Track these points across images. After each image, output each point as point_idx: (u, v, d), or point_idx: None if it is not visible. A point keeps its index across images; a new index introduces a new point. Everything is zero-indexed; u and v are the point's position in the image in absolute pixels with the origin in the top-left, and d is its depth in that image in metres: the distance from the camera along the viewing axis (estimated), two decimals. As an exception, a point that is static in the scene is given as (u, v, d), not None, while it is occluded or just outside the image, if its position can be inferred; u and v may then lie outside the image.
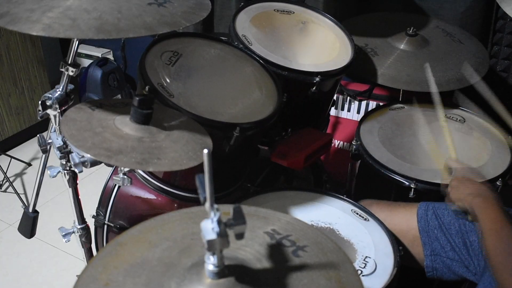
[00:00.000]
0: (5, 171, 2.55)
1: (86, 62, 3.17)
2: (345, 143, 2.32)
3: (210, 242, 0.65)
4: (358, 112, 2.28)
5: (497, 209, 1.15)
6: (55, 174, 1.27)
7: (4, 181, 2.56)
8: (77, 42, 1.23)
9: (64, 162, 1.25)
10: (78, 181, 1.34)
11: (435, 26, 2.01)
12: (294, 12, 1.77)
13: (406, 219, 1.36)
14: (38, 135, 1.30)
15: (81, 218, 1.39)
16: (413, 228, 1.33)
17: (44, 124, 2.33)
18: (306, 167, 1.69)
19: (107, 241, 1.59)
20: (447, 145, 1.46)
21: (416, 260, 1.35)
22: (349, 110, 2.30)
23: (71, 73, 1.24)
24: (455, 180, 1.28)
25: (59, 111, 1.25)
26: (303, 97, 1.59)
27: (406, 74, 1.77)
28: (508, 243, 1.07)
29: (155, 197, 1.51)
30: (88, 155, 1.01)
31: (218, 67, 1.48)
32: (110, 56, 3.24)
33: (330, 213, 1.37)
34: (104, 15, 1.00)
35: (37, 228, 1.72)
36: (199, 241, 0.68)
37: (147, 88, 1.27)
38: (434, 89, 1.53)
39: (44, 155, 1.47)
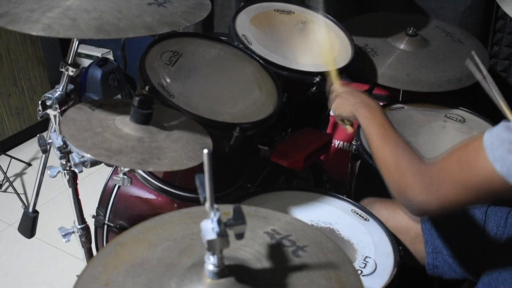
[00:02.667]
0: (5, 171, 2.55)
1: (86, 62, 3.17)
2: (345, 143, 2.32)
3: (210, 242, 0.65)
4: (358, 112, 2.28)
5: (382, 116, 1.23)
6: (55, 174, 1.27)
7: (4, 181, 2.56)
8: (77, 42, 1.23)
9: (64, 162, 1.25)
10: (78, 181, 1.34)
11: (435, 26, 2.01)
12: (294, 12, 1.77)
13: (409, 216, 1.36)
14: (38, 135, 1.30)
15: (81, 218, 1.38)
16: (415, 226, 1.33)
17: (44, 124, 2.33)
18: (306, 167, 1.69)
19: (107, 241, 1.59)
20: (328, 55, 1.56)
21: (417, 258, 1.35)
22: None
23: (71, 73, 1.24)
24: (339, 97, 1.38)
25: (59, 111, 1.25)
26: (303, 97, 1.59)
27: (406, 74, 1.77)
28: (393, 144, 1.13)
29: (155, 197, 1.51)
30: (88, 155, 1.01)
31: (218, 67, 1.48)
32: (110, 56, 3.24)
33: (330, 213, 1.37)
34: (104, 15, 1.00)
35: (37, 228, 1.72)
36: (199, 241, 0.68)
37: (147, 88, 1.27)
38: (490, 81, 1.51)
39: (44, 155, 1.47)
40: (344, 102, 1.34)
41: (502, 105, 1.43)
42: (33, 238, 1.76)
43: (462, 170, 0.92)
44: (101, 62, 3.06)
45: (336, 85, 1.45)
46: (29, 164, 2.75)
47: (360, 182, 1.76)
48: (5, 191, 2.56)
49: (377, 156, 1.16)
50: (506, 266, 1.17)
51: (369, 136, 1.21)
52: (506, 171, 0.85)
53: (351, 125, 1.44)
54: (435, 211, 1.03)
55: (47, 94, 1.25)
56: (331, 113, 1.40)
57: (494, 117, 1.78)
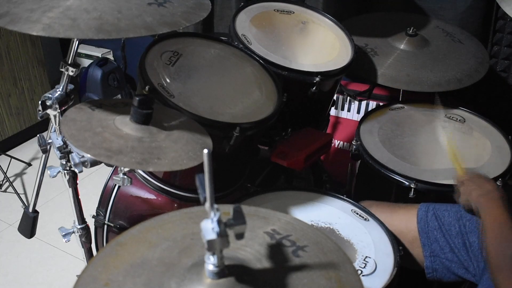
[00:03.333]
0: (5, 171, 2.55)
1: (86, 62, 3.17)
2: (345, 143, 2.32)
3: (210, 242, 0.65)
4: (358, 112, 2.28)
5: (500, 209, 1.16)
6: (55, 174, 1.27)
7: (4, 181, 2.56)
8: (77, 42, 1.23)
9: (64, 162, 1.25)
10: (78, 181, 1.34)
11: (435, 26, 2.01)
12: (294, 12, 1.77)
13: (406, 220, 1.36)
14: (38, 135, 1.30)
15: (81, 218, 1.38)
16: (412, 230, 1.33)
17: (44, 124, 2.33)
18: (306, 167, 1.69)
19: (107, 241, 1.59)
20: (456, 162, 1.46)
21: (416, 261, 1.35)
22: (349, 110, 2.30)
23: (71, 73, 1.24)
24: (466, 179, 1.30)
25: (59, 111, 1.25)
26: (303, 97, 1.59)
27: (406, 74, 1.77)
28: (506, 244, 1.07)
29: (155, 197, 1.51)
30: (88, 155, 1.01)
31: (218, 67, 1.48)
32: (110, 56, 3.24)
33: (330, 213, 1.37)
34: (104, 15, 1.00)
35: (37, 228, 1.72)
36: (199, 241, 0.68)
37: (147, 88, 1.27)
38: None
39: (44, 155, 1.47)
40: (469, 186, 1.28)
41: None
42: (33, 238, 1.76)
43: None
44: (101, 62, 3.06)
45: (460, 173, 1.38)
46: (29, 164, 2.75)
47: (360, 182, 1.76)
48: (5, 191, 2.56)
49: (487, 249, 1.11)
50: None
51: (484, 228, 1.16)
52: None
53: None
54: None
55: (47, 94, 1.24)
56: (455, 197, 1.32)
57: (494, 117, 1.78)
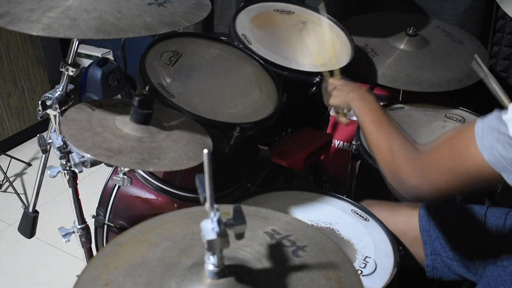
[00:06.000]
0: (5, 171, 2.55)
1: (86, 62, 3.17)
2: (345, 143, 2.32)
3: (210, 242, 0.65)
4: (358, 112, 2.28)
5: (376, 104, 1.26)
6: (55, 174, 1.27)
7: (4, 181, 2.56)
8: (77, 42, 1.23)
9: (64, 162, 1.25)
10: (78, 181, 1.34)
11: (435, 26, 2.01)
12: (294, 12, 1.77)
13: (407, 219, 1.36)
14: (38, 135, 1.30)
15: (81, 218, 1.38)
16: (414, 228, 1.33)
17: (44, 124, 2.33)
18: (306, 167, 1.69)
19: (107, 241, 1.59)
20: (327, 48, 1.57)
21: (416, 260, 1.35)
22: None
23: (71, 73, 1.24)
24: (335, 89, 1.41)
25: (59, 111, 1.25)
26: (303, 97, 1.59)
27: (406, 74, 1.77)
28: (387, 129, 1.15)
29: (155, 197, 1.51)
30: (88, 155, 1.01)
31: (218, 67, 1.48)
32: (110, 56, 3.24)
33: (330, 213, 1.37)
34: (104, 15, 1.00)
35: (37, 228, 1.72)
36: (199, 241, 0.68)
37: (147, 88, 1.27)
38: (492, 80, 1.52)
39: (44, 155, 1.47)
40: (340, 93, 1.38)
41: (503, 97, 1.45)
42: (33, 238, 1.76)
43: (453, 157, 0.93)
44: (101, 62, 3.06)
45: (334, 79, 1.49)
46: (29, 164, 2.75)
47: (360, 182, 1.76)
48: (5, 191, 2.56)
49: (371, 142, 1.19)
50: (506, 267, 1.17)
51: (363, 123, 1.23)
52: (493, 159, 0.85)
53: (345, 116, 1.48)
54: (428, 195, 1.03)
55: (47, 94, 1.24)
56: (327, 104, 1.44)
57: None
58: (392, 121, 1.19)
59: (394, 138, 1.12)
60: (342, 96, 1.37)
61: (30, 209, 1.66)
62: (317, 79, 1.54)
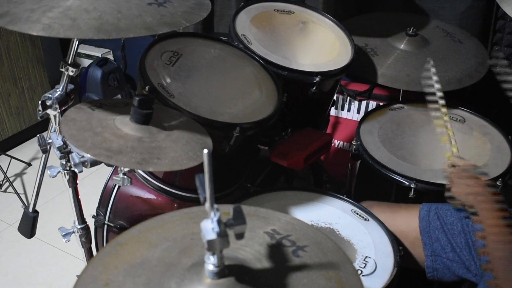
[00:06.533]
0: (5, 171, 2.55)
1: (86, 62, 3.17)
2: (345, 143, 2.32)
3: (210, 242, 0.65)
4: (358, 112, 2.28)
5: (497, 211, 1.13)
6: (55, 174, 1.27)
7: (4, 181, 2.56)
8: (77, 42, 1.23)
9: (64, 162, 1.25)
10: (78, 181, 1.34)
11: (435, 26, 2.01)
12: (294, 12, 1.77)
13: (407, 220, 1.36)
14: (38, 135, 1.30)
15: (81, 218, 1.38)
16: (414, 230, 1.33)
17: (44, 124, 2.33)
18: (306, 167, 1.69)
19: (107, 241, 1.59)
20: (451, 142, 1.44)
21: (416, 261, 1.35)
22: (349, 110, 2.30)
23: (71, 73, 1.24)
24: (457, 176, 1.27)
25: (59, 111, 1.25)
26: (303, 97, 1.59)
27: (406, 74, 1.77)
28: (505, 248, 1.06)
29: (155, 197, 1.51)
30: (88, 155, 1.01)
31: (218, 67, 1.48)
32: (110, 56, 3.24)
33: (330, 213, 1.37)
34: (104, 15, 1.00)
35: (37, 228, 1.72)
36: (199, 241, 0.68)
37: (147, 88, 1.27)
38: (437, 88, 1.51)
39: (44, 155, 1.47)
40: (462, 184, 1.25)
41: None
42: (33, 238, 1.76)
43: None
44: (101, 62, 3.06)
45: (456, 164, 1.37)
46: (29, 164, 2.75)
47: (360, 182, 1.76)
48: (5, 191, 2.56)
49: (487, 253, 1.08)
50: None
51: (486, 235, 1.12)
52: None
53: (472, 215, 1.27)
54: None
55: (47, 94, 1.25)
56: (445, 195, 1.29)
57: (494, 117, 1.78)
58: None
59: None
60: (466, 195, 1.22)
61: (30, 209, 1.66)
62: (317, 79, 1.54)
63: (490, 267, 1.06)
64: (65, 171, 1.27)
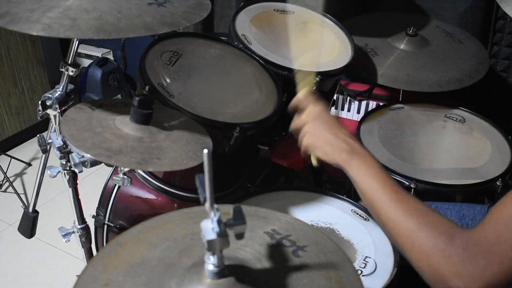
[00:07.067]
0: (5, 171, 2.55)
1: (86, 62, 3.17)
2: (345, 143, 2.31)
3: (210, 242, 0.65)
4: (358, 112, 2.28)
5: (380, 169, 0.98)
6: (55, 174, 1.27)
7: (4, 181, 2.56)
8: (77, 42, 1.23)
9: (64, 162, 1.25)
10: (78, 181, 1.34)
11: (435, 26, 2.01)
12: (294, 12, 1.77)
13: None
14: (38, 135, 1.30)
15: (81, 218, 1.39)
16: None
17: (44, 124, 2.33)
18: (306, 167, 1.69)
19: (107, 241, 1.59)
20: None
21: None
22: (349, 110, 2.30)
23: (71, 73, 1.24)
24: (311, 128, 1.08)
25: (59, 111, 1.25)
26: (303, 97, 1.59)
27: (406, 74, 1.77)
28: (410, 209, 0.91)
29: (155, 197, 1.51)
30: (88, 155, 1.01)
31: (218, 67, 1.48)
32: (110, 56, 3.24)
33: (330, 213, 1.37)
34: (104, 15, 1.00)
35: (37, 228, 1.72)
36: (199, 241, 0.68)
37: (147, 88, 1.27)
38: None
39: (44, 155, 1.47)
40: (322, 143, 1.06)
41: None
42: (33, 238, 1.76)
43: None
44: (101, 62, 3.06)
45: (307, 101, 1.14)
46: (29, 164, 2.75)
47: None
48: (5, 191, 2.56)
49: (391, 228, 0.91)
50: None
51: (374, 197, 0.95)
52: None
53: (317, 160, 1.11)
54: None
55: (47, 94, 1.25)
56: (291, 130, 1.13)
57: (494, 117, 1.78)
58: (409, 194, 0.93)
59: (424, 217, 0.86)
60: (326, 149, 1.04)
61: (30, 209, 1.66)
62: (317, 79, 1.54)
63: (393, 237, 0.91)
64: (65, 171, 1.28)
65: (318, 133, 1.07)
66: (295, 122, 1.13)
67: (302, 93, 1.17)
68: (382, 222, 0.93)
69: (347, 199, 1.42)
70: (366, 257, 1.23)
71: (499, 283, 0.76)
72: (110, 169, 1.57)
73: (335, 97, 2.09)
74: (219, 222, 0.65)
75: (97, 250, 1.60)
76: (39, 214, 1.70)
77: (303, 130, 1.10)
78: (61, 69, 1.24)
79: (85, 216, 1.40)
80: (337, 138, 1.05)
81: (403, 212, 0.89)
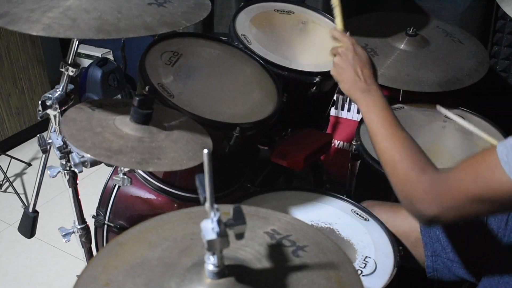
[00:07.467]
0: (5, 171, 2.55)
1: (86, 62, 3.17)
2: (345, 143, 2.32)
3: (210, 242, 0.65)
4: (358, 112, 2.28)
5: (387, 109, 1.13)
6: (55, 174, 1.27)
7: (4, 181, 2.56)
8: (77, 42, 1.23)
9: (64, 162, 1.25)
10: (78, 181, 1.34)
11: (435, 26, 2.01)
12: (294, 12, 1.77)
13: (408, 220, 1.36)
14: (38, 135, 1.30)
15: (81, 218, 1.39)
16: (415, 230, 1.33)
17: (44, 124, 2.33)
18: (306, 167, 1.69)
19: (107, 241, 1.60)
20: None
21: (417, 261, 1.35)
22: (349, 110, 2.30)
23: (71, 73, 1.24)
24: (340, 57, 1.25)
25: (59, 111, 1.25)
26: (303, 97, 1.59)
27: (406, 74, 1.77)
28: (401, 143, 1.06)
29: (155, 197, 1.51)
30: (88, 155, 1.01)
31: (218, 67, 1.48)
32: (110, 56, 3.24)
33: (330, 213, 1.37)
34: (104, 15, 1.00)
35: (37, 228, 1.72)
36: (199, 241, 0.68)
37: (147, 88, 1.27)
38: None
39: (44, 155, 1.47)
40: (344, 78, 1.22)
41: (484, 135, 1.47)
42: (33, 238, 1.76)
43: (478, 184, 0.89)
44: (101, 62, 3.06)
45: (340, 35, 1.32)
46: (29, 164, 2.75)
47: (360, 182, 1.76)
48: (5, 191, 2.56)
49: (379, 150, 1.10)
50: (507, 269, 1.16)
51: (371, 124, 1.13)
52: None
53: None
54: (446, 222, 1.00)
55: (47, 94, 1.25)
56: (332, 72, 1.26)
57: (494, 117, 1.78)
58: (408, 134, 1.09)
59: (408, 151, 1.03)
60: (346, 78, 1.21)
61: (30, 209, 1.66)
62: (317, 79, 1.54)
63: (384, 166, 1.08)
64: (65, 171, 1.27)
65: (344, 68, 1.23)
66: (332, 49, 1.29)
67: (340, 26, 1.37)
68: (376, 151, 1.12)
69: (347, 199, 1.42)
70: (366, 257, 1.23)
71: (451, 213, 0.95)
72: (110, 169, 1.57)
73: (335, 97, 2.10)
74: (219, 222, 0.65)
75: (97, 250, 1.60)
76: (39, 214, 1.70)
77: (333, 61, 1.27)
78: (61, 69, 1.24)
79: (85, 216, 1.40)
80: (357, 77, 1.20)
81: (392, 145, 1.07)
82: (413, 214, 1.02)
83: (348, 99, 2.28)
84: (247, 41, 1.57)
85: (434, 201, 0.96)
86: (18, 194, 2.44)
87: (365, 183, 1.74)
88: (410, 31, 1.86)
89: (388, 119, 1.12)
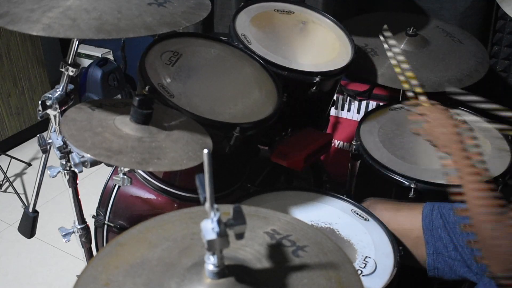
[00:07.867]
0: (5, 171, 2.55)
1: (86, 62, 3.17)
2: (345, 143, 2.32)
3: (210, 242, 0.65)
4: (358, 112, 2.28)
5: (475, 168, 1.14)
6: (55, 174, 1.27)
7: (4, 181, 2.56)
8: (77, 42, 1.23)
9: (64, 162, 1.25)
10: (78, 181, 1.34)
11: (435, 26, 2.01)
12: (294, 12, 1.77)
13: (410, 218, 1.36)
14: (38, 135, 1.30)
15: (81, 218, 1.38)
16: (417, 228, 1.33)
17: (44, 124, 2.33)
18: (306, 167, 1.69)
19: (107, 241, 1.59)
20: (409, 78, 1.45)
21: (418, 260, 1.35)
22: (349, 110, 2.30)
23: (71, 73, 1.24)
24: (431, 113, 1.28)
25: (59, 111, 1.25)
26: (303, 97, 1.59)
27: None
28: (486, 202, 1.05)
29: (155, 197, 1.51)
30: (88, 155, 1.01)
31: (218, 67, 1.48)
32: (110, 56, 3.24)
33: (330, 213, 1.37)
34: (104, 15, 1.00)
35: (37, 228, 1.72)
36: (199, 241, 0.68)
37: (147, 88, 1.27)
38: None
39: (44, 155, 1.47)
40: (435, 124, 1.26)
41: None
42: (33, 238, 1.76)
43: None
44: (101, 62, 3.05)
45: (423, 103, 1.36)
46: (29, 164, 2.75)
47: (360, 182, 1.76)
48: (5, 191, 2.56)
49: (467, 204, 1.09)
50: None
51: (461, 182, 1.13)
52: None
53: None
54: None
55: (47, 94, 1.25)
56: (411, 127, 1.33)
57: (494, 117, 1.78)
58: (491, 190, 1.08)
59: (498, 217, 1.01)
60: (441, 138, 1.24)
61: (30, 209, 1.66)
62: (317, 79, 1.54)
63: (475, 232, 1.04)
64: (65, 171, 1.27)
65: (436, 126, 1.26)
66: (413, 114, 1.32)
67: (424, 101, 1.37)
68: (466, 205, 1.09)
69: (347, 199, 1.42)
70: (366, 257, 1.23)
71: None
72: (110, 169, 1.57)
73: (335, 97, 2.09)
74: (219, 222, 0.65)
75: (97, 250, 1.60)
76: (39, 214, 1.70)
77: (422, 125, 1.29)
78: (61, 69, 1.24)
79: (85, 216, 1.40)
80: (449, 129, 1.23)
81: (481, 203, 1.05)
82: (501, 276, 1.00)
83: (348, 99, 2.28)
84: (247, 41, 1.57)
85: None
86: (18, 194, 2.44)
87: (365, 183, 1.74)
88: (410, 31, 1.86)
89: (475, 173, 1.13)
